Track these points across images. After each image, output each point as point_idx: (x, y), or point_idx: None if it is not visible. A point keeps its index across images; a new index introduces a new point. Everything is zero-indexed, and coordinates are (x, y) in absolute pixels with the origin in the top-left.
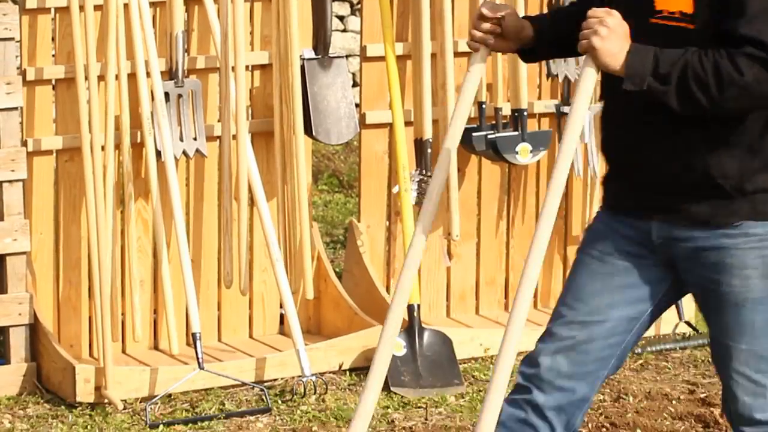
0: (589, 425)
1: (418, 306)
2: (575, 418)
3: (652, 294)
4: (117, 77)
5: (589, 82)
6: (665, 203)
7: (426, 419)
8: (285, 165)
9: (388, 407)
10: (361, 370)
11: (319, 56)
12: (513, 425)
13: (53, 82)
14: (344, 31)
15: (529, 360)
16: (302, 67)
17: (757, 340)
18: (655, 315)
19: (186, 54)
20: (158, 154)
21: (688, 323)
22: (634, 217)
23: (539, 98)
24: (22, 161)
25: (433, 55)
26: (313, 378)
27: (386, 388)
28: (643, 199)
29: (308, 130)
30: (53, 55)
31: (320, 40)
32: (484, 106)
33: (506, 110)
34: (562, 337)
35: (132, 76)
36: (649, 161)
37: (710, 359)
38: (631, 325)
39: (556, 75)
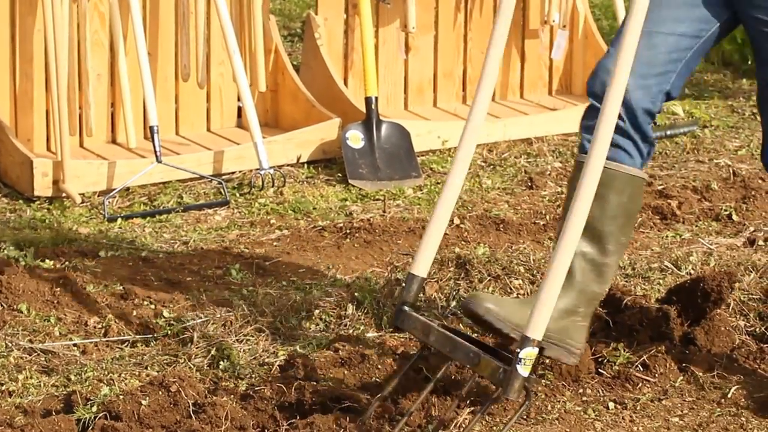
0: (547, 217)
1: (376, 98)
2: (647, 131)
3: (713, 17)
4: None
5: None
6: None
7: (384, 211)
8: None
9: (345, 200)
10: (318, 162)
11: None
12: None
13: None
14: None
15: (595, 77)
16: None
17: None
18: (713, 42)
19: None
20: None
21: None
22: None
23: None
24: None
25: None
26: (271, 171)
27: (344, 180)
28: None
29: None
30: None
31: None
32: None
33: None
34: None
35: None
36: None
37: (668, 151)
38: (693, 43)
39: None
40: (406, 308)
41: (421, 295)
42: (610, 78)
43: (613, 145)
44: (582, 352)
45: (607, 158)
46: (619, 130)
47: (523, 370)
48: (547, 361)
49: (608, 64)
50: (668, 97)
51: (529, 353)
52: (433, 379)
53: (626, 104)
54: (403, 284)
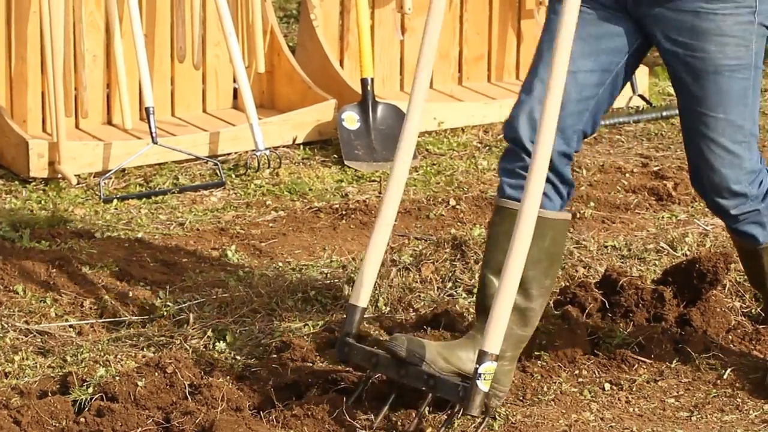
0: None
1: (372, 80)
2: (564, 173)
3: (623, 47)
4: None
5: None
6: None
7: (380, 193)
8: None
9: (341, 181)
10: (314, 143)
11: None
12: (518, 194)
13: None
14: None
15: (509, 124)
16: None
17: (734, 109)
18: (627, 72)
19: None
20: None
21: (642, 96)
22: None
23: None
24: None
25: None
26: (267, 152)
27: (340, 161)
28: None
29: None
30: None
31: None
32: None
33: None
34: (536, 94)
35: None
36: None
37: (663, 132)
38: (603, 78)
39: None
40: (350, 340)
41: (418, 276)
42: (536, 127)
43: None
44: (506, 394)
45: None
46: None
47: (483, 385)
48: (544, 341)
49: (521, 115)
50: (584, 135)
51: (487, 368)
52: (390, 397)
53: None
54: (344, 316)
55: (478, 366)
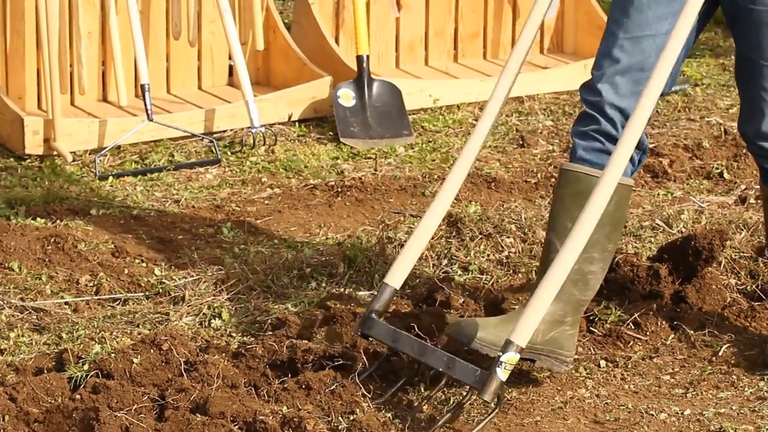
0: (539, 175)
1: (368, 57)
2: (642, 137)
3: None
4: None
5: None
6: None
7: (375, 170)
8: None
9: (337, 158)
10: (310, 121)
11: None
12: (591, 156)
13: None
14: None
15: (589, 87)
16: None
17: None
18: (697, 30)
19: None
20: None
21: None
22: None
23: None
24: None
25: None
26: (263, 129)
27: (335, 139)
28: None
29: None
30: None
31: None
32: None
33: None
34: (618, 58)
35: None
36: None
37: (659, 109)
38: None
39: None
40: (374, 316)
41: None
42: (619, 92)
43: (604, 152)
44: (572, 358)
45: (596, 165)
46: (611, 138)
47: (503, 374)
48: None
49: (605, 80)
50: (661, 95)
51: (510, 358)
52: (401, 380)
53: (621, 112)
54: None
55: (501, 354)
